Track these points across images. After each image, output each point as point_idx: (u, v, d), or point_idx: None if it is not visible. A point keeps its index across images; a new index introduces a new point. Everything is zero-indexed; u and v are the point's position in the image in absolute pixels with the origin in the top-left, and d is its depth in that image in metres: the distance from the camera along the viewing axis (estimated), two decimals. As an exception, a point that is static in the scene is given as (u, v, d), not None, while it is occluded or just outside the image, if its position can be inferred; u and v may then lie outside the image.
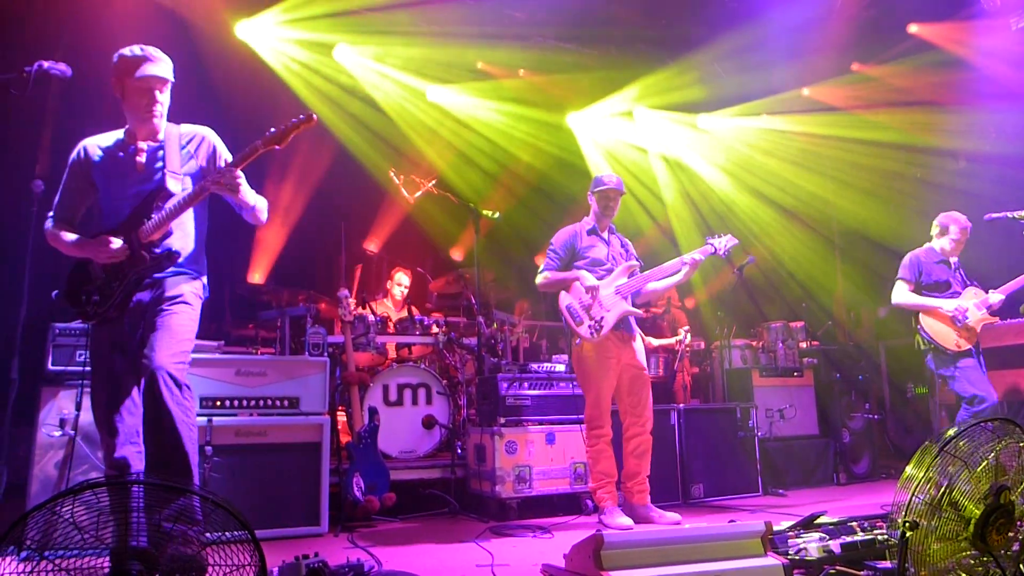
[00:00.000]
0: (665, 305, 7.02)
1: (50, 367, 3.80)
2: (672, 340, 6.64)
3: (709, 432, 5.06)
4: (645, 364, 4.18)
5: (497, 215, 4.94)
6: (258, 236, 7.52)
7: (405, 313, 5.97)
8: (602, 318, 4.01)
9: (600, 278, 4.14)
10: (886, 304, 4.93)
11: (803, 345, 6.30)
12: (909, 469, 2.17)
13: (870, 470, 5.88)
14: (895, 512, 2.14)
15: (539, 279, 4.25)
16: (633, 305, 4.17)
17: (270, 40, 7.08)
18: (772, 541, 2.51)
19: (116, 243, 2.71)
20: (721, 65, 7.92)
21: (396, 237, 8.16)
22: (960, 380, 4.52)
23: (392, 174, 5.11)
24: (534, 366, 4.84)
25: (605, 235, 4.32)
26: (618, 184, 4.30)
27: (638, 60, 7.98)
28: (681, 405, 5.11)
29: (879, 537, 2.70)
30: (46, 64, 2.68)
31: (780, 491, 5.15)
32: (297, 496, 3.87)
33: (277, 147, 2.75)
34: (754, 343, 6.35)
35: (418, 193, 5.08)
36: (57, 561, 1.69)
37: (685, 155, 9.12)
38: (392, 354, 5.78)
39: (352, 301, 4.78)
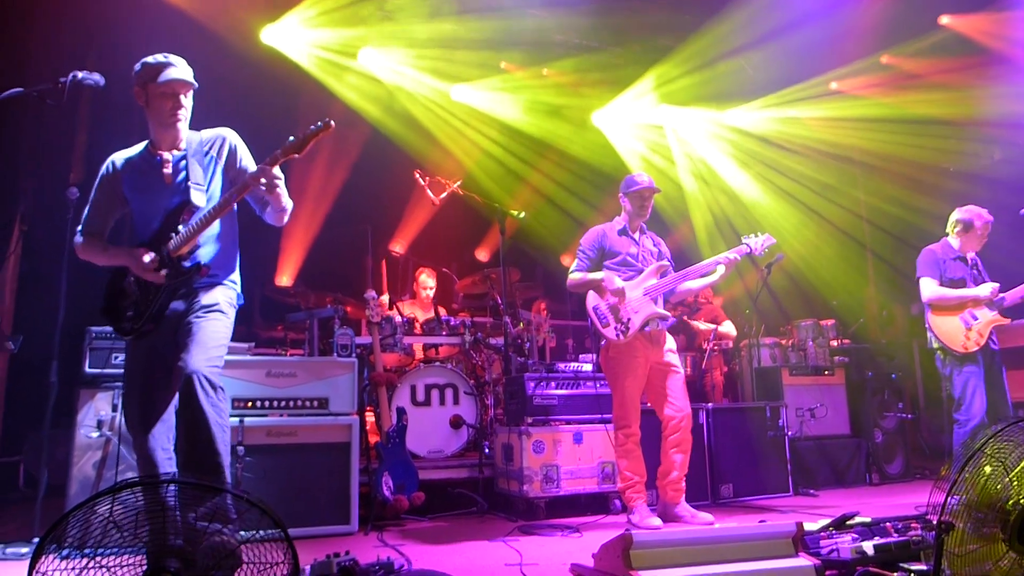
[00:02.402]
0: (693, 303, 6.96)
1: (87, 370, 3.91)
2: (711, 327, 6.59)
3: (738, 431, 5.01)
4: (676, 362, 4.15)
5: (523, 215, 4.95)
6: (285, 239, 7.62)
7: (432, 314, 6.01)
8: (629, 320, 4.00)
9: (629, 278, 4.12)
10: (918, 301, 4.85)
11: (834, 343, 6.21)
12: (944, 469, 2.14)
13: (903, 470, 5.78)
14: (930, 513, 2.11)
15: (569, 280, 4.25)
16: (666, 304, 4.15)
17: (295, 44, 7.18)
18: (803, 542, 2.49)
19: (148, 257, 2.75)
20: (747, 60, 7.85)
21: (422, 238, 8.21)
22: (957, 384, 4.46)
23: (417, 175, 5.14)
24: (561, 366, 4.84)
25: (636, 235, 4.29)
26: (651, 183, 4.27)
27: (662, 56, 7.94)
28: (709, 404, 5.07)
29: (913, 538, 2.65)
30: (80, 74, 2.74)
31: (811, 491, 5.09)
32: (327, 495, 3.92)
33: (296, 155, 2.78)
34: (784, 341, 6.28)
35: (443, 194, 5.10)
36: (97, 559, 1.73)
37: (710, 151, 9.04)
38: (419, 355, 5.82)
39: (382, 299, 4.81)
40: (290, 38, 7.12)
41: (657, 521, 3.89)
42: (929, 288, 4.64)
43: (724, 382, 6.70)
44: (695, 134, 8.98)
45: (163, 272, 2.76)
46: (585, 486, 4.40)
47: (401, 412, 4.51)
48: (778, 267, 5.60)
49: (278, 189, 2.81)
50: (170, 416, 2.76)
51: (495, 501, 4.56)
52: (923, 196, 7.95)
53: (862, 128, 8.27)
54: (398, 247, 8.02)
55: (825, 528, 2.92)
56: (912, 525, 2.85)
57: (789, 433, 5.20)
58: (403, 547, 3.44)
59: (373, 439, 4.67)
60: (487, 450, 4.86)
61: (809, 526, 2.84)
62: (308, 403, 4.08)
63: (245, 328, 5.96)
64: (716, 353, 6.55)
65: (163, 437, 2.75)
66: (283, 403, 4.03)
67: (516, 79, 8.14)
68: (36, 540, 3.39)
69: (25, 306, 6.04)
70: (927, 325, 4.64)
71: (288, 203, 2.94)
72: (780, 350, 6.18)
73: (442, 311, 6.26)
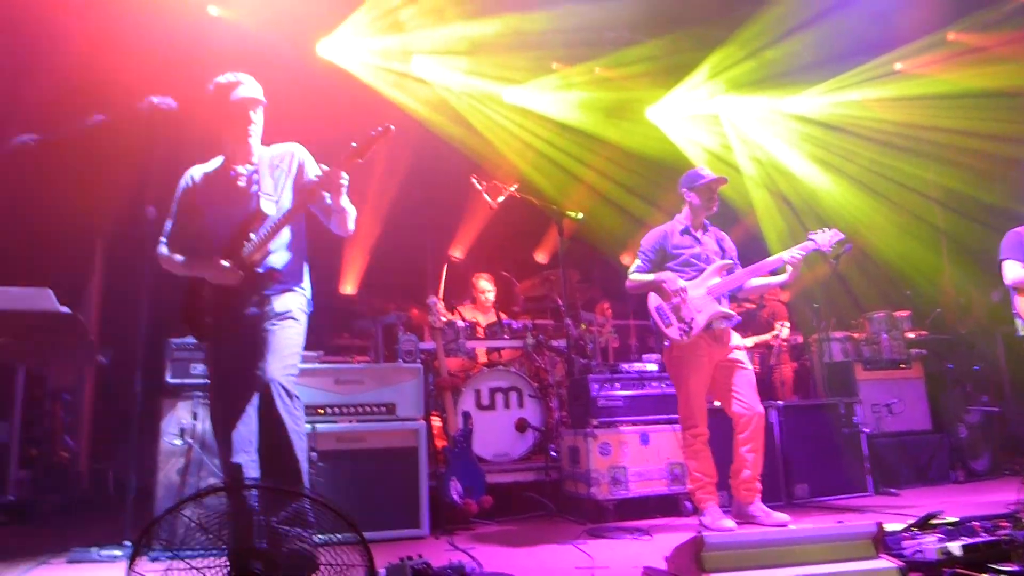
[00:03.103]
0: (759, 299, 6.81)
1: (169, 380, 4.08)
2: (767, 336, 6.44)
3: (811, 429, 4.87)
4: (743, 358, 4.05)
5: (580, 216, 4.92)
6: (346, 248, 7.79)
7: (493, 318, 6.04)
8: (692, 319, 3.94)
9: (692, 278, 4.05)
10: (1000, 287, 4.63)
11: (910, 335, 5.97)
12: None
13: (991, 467, 5.50)
14: (1021, 511, 2.01)
15: (628, 282, 4.20)
16: (731, 302, 4.07)
17: (349, 55, 7.35)
18: (885, 542, 2.40)
19: (227, 264, 2.87)
20: (804, 45, 7.62)
21: (480, 242, 8.27)
22: None
23: (474, 180, 5.18)
24: (624, 366, 4.80)
25: (699, 233, 4.21)
26: (718, 176, 4.17)
27: (716, 45, 7.79)
28: (780, 402, 4.95)
29: (1004, 538, 2.53)
30: (155, 99, 2.89)
31: (892, 490, 4.91)
32: (397, 499, 3.98)
33: (360, 160, 2.84)
34: (856, 335, 6.07)
35: (500, 198, 5.12)
36: (188, 560, 1.81)
37: (770, 140, 8.81)
38: (482, 359, 5.86)
39: (441, 304, 4.88)
40: (344, 50, 7.30)
41: (730, 522, 3.82)
42: (1013, 271, 4.46)
43: (794, 378, 6.52)
44: (754, 123, 8.77)
45: (239, 273, 2.87)
46: (654, 488, 4.36)
47: (467, 416, 4.56)
48: (847, 258, 5.41)
49: (343, 191, 2.88)
50: (252, 418, 2.86)
51: (563, 504, 4.56)
52: (1000, 173, 7.56)
53: (931, 107, 7.90)
54: (457, 252, 8.10)
55: (908, 528, 2.82)
56: (1002, 524, 2.72)
57: (866, 430, 5.02)
58: (473, 550, 3.47)
59: (440, 443, 4.73)
60: (553, 453, 4.86)
61: (891, 526, 2.74)
62: (376, 409, 4.17)
63: (312, 336, 6.13)
64: (784, 349, 6.39)
65: (245, 440, 2.86)
66: (352, 409, 4.13)
67: (568, 78, 8.13)
68: (127, 543, 3.57)
69: (110, 320, 6.36)
70: (1015, 311, 4.45)
71: (352, 209, 3.01)
72: (852, 344, 5.98)
73: (503, 315, 6.30)
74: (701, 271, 4.08)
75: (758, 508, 3.91)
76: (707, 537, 2.27)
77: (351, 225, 3.05)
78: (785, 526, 3.76)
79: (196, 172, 3.12)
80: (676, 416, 4.15)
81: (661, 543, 3.44)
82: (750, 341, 6.38)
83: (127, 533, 3.65)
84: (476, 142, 8.05)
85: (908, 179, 8.30)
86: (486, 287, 6.48)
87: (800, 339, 6.63)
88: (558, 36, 7.51)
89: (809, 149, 8.69)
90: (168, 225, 3.13)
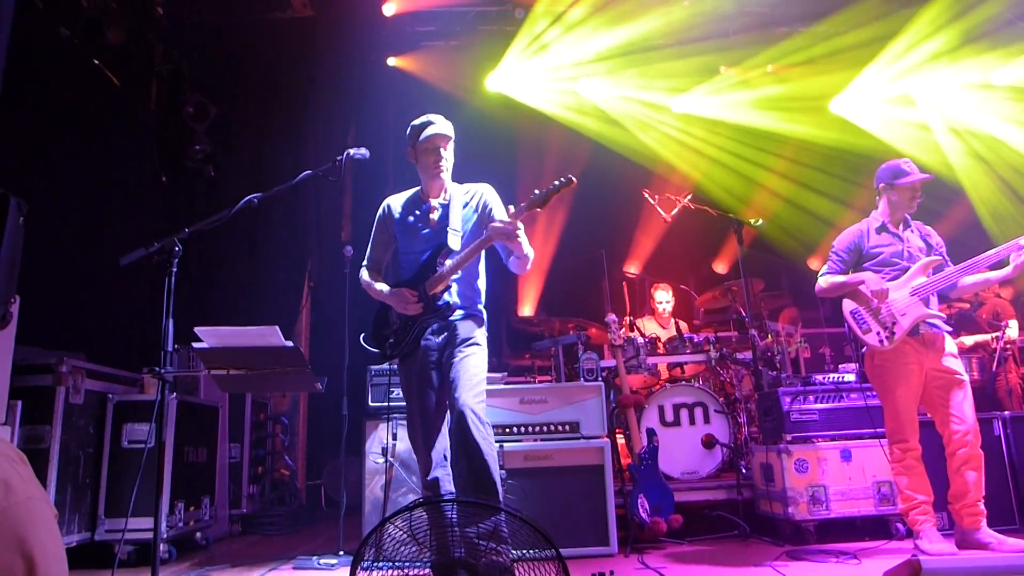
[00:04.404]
0: (974, 297, 6.09)
1: (370, 403, 4.45)
2: (988, 336, 5.74)
3: (1050, 444, 4.26)
4: (959, 368, 3.63)
5: (760, 222, 4.71)
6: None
7: (673, 331, 5.93)
8: (894, 323, 3.60)
9: (893, 279, 3.71)
10: None
11: None
12: None
13: None
14: None
15: (819, 283, 3.90)
16: (941, 303, 3.68)
17: (517, 84, 7.63)
18: None
19: (410, 296, 3.11)
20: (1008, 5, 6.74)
21: (657, 256, 8.17)
22: None
23: (646, 194, 5.15)
24: (818, 377, 4.51)
25: (899, 229, 3.85)
26: (924, 175, 3.79)
27: (902, 24, 7.12)
28: (1007, 413, 4.38)
29: None
30: (352, 151, 3.23)
31: None
32: (585, 517, 4.01)
33: (539, 209, 2.96)
34: (1101, 334, 5.23)
35: (674, 210, 5.05)
36: (404, 570, 1.97)
37: (981, 118, 7.80)
38: (664, 374, 5.77)
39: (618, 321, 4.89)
40: (511, 79, 7.59)
41: (949, 547, 3.44)
42: None
43: (1023, 385, 5.74)
44: (959, 102, 7.82)
45: (420, 304, 3.11)
46: (859, 508, 4.03)
47: (651, 433, 4.50)
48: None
49: (518, 239, 3.00)
50: (444, 434, 3.08)
51: (757, 524, 4.34)
52: None
53: None
54: (633, 268, 8.06)
55: None
56: None
57: (1122, 444, 4.30)
58: (665, 570, 3.42)
59: (625, 461, 4.71)
60: (744, 470, 4.66)
61: None
62: (560, 427, 4.25)
63: (495, 359, 6.39)
64: (1009, 353, 5.65)
65: (440, 455, 3.07)
66: (537, 428, 4.24)
67: (738, 78, 7.83)
68: (341, 552, 3.93)
69: (317, 350, 7.06)
70: None
71: (529, 252, 3.12)
72: (1097, 345, 5.16)
73: (683, 326, 6.17)
74: (903, 270, 3.73)
75: (987, 534, 3.47)
76: (924, 562, 2.07)
77: (527, 267, 3.18)
78: (1021, 554, 3.32)
79: (393, 201, 3.39)
80: (882, 430, 3.82)
81: (870, 568, 3.18)
82: (970, 340, 5.71)
83: (341, 544, 4.02)
84: (647, 155, 7.99)
85: None
86: (664, 297, 6.40)
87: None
88: (726, 37, 7.29)
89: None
90: (369, 251, 3.44)
